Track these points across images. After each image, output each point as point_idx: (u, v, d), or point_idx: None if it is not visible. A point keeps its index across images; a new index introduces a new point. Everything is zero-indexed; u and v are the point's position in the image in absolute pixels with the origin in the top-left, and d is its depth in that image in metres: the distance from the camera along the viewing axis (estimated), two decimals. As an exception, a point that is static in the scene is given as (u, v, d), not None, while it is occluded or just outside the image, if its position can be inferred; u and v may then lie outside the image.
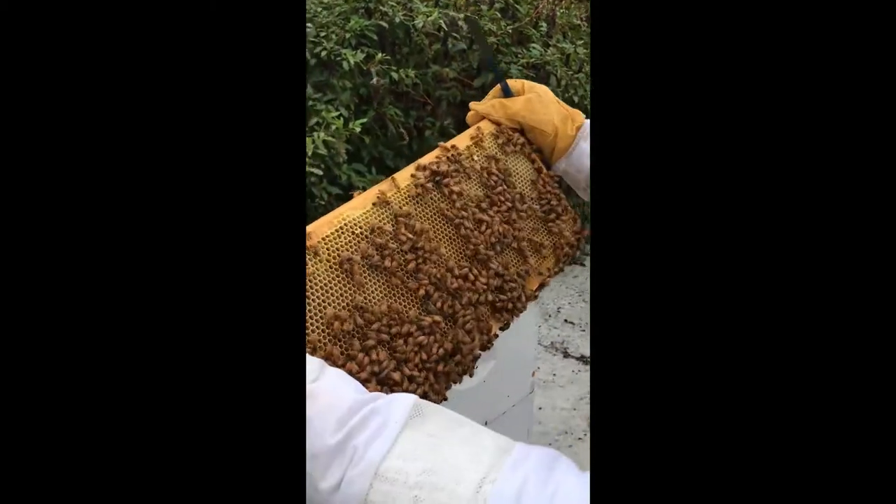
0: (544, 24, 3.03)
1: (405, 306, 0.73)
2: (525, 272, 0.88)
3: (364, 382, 0.65)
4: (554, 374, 2.40)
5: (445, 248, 0.79)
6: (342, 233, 0.71)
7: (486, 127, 0.97)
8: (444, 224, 0.81)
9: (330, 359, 0.66)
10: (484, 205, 0.86)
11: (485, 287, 0.81)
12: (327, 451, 0.54)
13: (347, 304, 0.69)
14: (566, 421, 2.22)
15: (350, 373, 0.65)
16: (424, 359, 0.70)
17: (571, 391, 2.33)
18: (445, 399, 0.76)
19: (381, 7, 2.77)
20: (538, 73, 2.86)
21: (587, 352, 2.47)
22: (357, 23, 2.75)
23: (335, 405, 0.56)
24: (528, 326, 1.38)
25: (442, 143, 0.89)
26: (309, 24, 2.78)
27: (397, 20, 2.75)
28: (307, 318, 0.65)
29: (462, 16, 2.86)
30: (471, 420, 0.61)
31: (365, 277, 0.71)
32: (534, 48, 2.87)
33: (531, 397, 1.49)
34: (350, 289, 0.69)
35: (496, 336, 0.85)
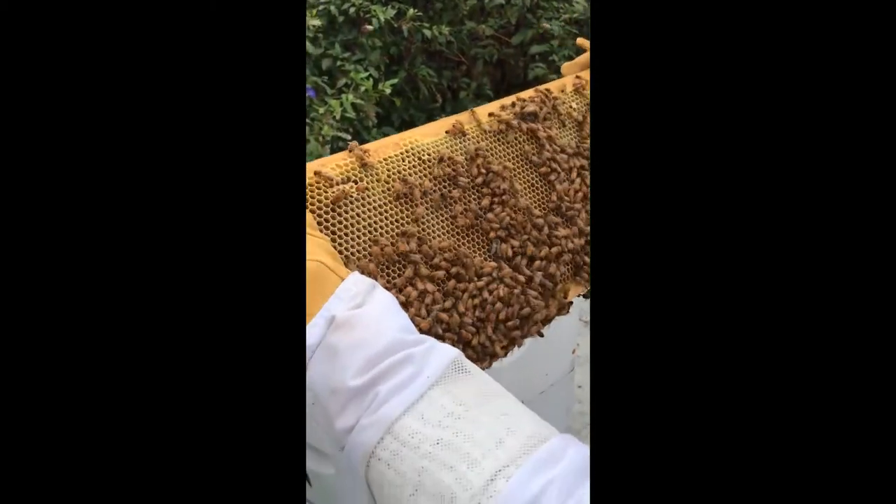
0: None
1: (470, 250, 0.65)
2: None
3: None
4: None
5: (525, 195, 0.70)
6: (407, 156, 0.63)
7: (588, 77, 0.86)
8: (526, 169, 0.72)
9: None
10: (577, 158, 0.76)
11: (568, 245, 0.70)
12: (347, 392, 0.49)
13: (400, 231, 0.62)
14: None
15: None
16: (484, 310, 0.63)
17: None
18: (498, 358, 0.68)
19: (413, -40, 2.68)
20: (581, 29, 2.73)
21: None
22: (388, -23, 2.65)
23: (369, 341, 0.51)
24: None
25: (537, 87, 0.78)
26: (337, -20, 2.69)
27: (430, -27, 2.65)
28: (348, 236, 0.59)
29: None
30: (513, 395, 0.54)
31: (426, 209, 0.63)
32: (577, 3, 2.74)
33: (571, 375, 1.47)
34: (406, 217, 0.62)
35: (571, 303, 0.74)
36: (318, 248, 0.55)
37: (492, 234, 0.66)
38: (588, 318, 2.60)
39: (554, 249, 0.69)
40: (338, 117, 2.37)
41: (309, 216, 0.59)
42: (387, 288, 0.59)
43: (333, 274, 0.54)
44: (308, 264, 0.53)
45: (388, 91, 2.56)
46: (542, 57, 2.76)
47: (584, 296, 0.74)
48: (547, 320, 0.70)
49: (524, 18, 2.81)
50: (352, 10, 2.59)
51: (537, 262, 0.68)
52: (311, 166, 0.57)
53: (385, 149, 0.63)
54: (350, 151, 0.60)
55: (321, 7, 2.58)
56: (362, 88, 2.49)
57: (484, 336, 0.63)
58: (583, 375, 2.13)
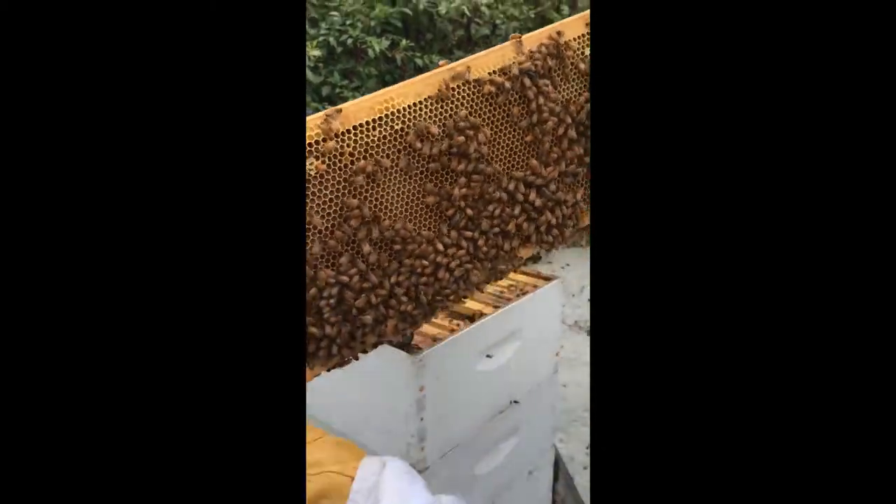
0: (566, 7, 3.02)
1: (434, 223, 0.61)
2: (581, 203, 0.70)
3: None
4: (578, 353, 2.38)
5: (501, 159, 0.63)
6: (379, 124, 0.56)
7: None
8: (509, 132, 0.63)
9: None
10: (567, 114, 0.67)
11: (533, 213, 0.65)
12: None
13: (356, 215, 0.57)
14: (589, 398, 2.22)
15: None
16: (417, 278, 0.60)
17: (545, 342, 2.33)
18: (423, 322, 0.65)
19: (405, -6, 2.76)
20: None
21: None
22: (382, 11, 2.74)
23: None
24: (553, 306, 1.36)
25: (551, 34, 0.67)
26: (335, 13, 2.77)
27: (421, 7, 2.75)
28: (312, 212, 0.55)
29: (486, 1, 2.83)
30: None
31: (388, 185, 0.57)
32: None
33: (556, 377, 1.48)
34: (368, 194, 0.57)
35: (520, 262, 0.69)
36: (320, 454, 0.52)
37: (450, 211, 0.60)
38: (571, 322, 2.68)
39: (520, 218, 0.64)
40: None
41: (311, 437, 0.55)
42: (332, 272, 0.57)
43: (342, 476, 0.51)
44: (316, 479, 0.51)
45: (383, 115, 2.71)
46: None
47: (533, 259, 0.74)
48: (485, 282, 0.66)
49: None
50: (349, 41, 2.68)
51: (488, 230, 0.63)
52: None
53: (360, 112, 0.56)
54: (326, 117, 0.54)
55: (321, 39, 2.67)
56: (359, 113, 2.58)
57: (413, 305, 0.61)
58: (567, 375, 2.21)
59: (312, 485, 0.50)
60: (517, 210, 0.64)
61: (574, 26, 0.69)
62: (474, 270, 0.63)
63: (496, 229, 0.63)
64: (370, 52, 2.65)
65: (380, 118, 0.56)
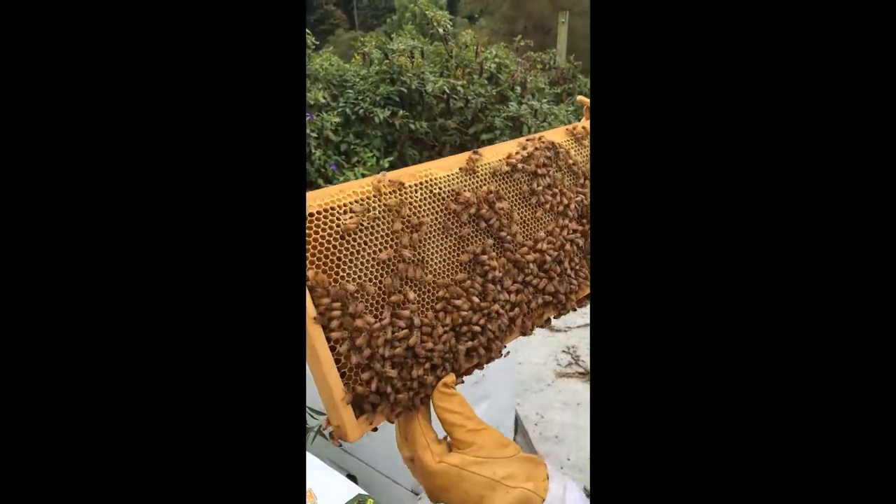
0: (519, 88, 3.03)
1: (467, 279, 0.51)
2: (581, 280, 0.61)
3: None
4: (527, 338, 2.39)
5: (519, 232, 0.56)
6: (420, 188, 0.50)
7: (588, 122, 0.70)
8: (522, 206, 0.57)
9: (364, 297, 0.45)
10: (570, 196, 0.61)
11: (542, 286, 0.56)
12: None
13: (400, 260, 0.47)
14: (538, 373, 2.25)
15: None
16: (449, 339, 0.49)
17: (542, 351, 2.35)
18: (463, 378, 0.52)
19: (401, 77, 2.78)
20: (514, 123, 2.86)
21: (551, 317, 2.43)
22: (384, 89, 2.77)
23: None
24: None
25: (536, 137, 0.62)
26: (350, 91, 2.78)
27: (413, 86, 2.77)
28: (356, 261, 0.45)
29: (460, 83, 2.89)
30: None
31: (428, 241, 0.49)
32: (511, 105, 2.88)
33: (516, 357, 1.49)
34: (408, 247, 0.48)
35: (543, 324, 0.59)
36: (515, 468, 0.42)
37: (484, 268, 0.51)
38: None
39: (531, 292, 0.55)
40: None
41: (510, 452, 0.44)
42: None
43: (535, 495, 0.42)
44: (513, 492, 0.41)
45: (386, 165, 2.66)
46: (489, 142, 2.88)
47: (546, 322, 0.58)
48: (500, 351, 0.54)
49: (477, 116, 2.93)
50: (360, 111, 2.70)
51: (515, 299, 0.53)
52: (331, 190, 0.45)
53: (403, 177, 0.49)
54: (375, 178, 0.48)
55: (339, 109, 2.69)
56: (368, 164, 2.58)
57: (442, 361, 0.48)
58: (521, 356, 2.21)
59: (509, 497, 0.41)
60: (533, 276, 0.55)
61: (558, 134, 0.65)
62: (507, 324, 0.53)
63: (523, 288, 0.54)
64: (376, 118, 2.67)
65: (420, 183, 0.50)
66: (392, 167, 2.72)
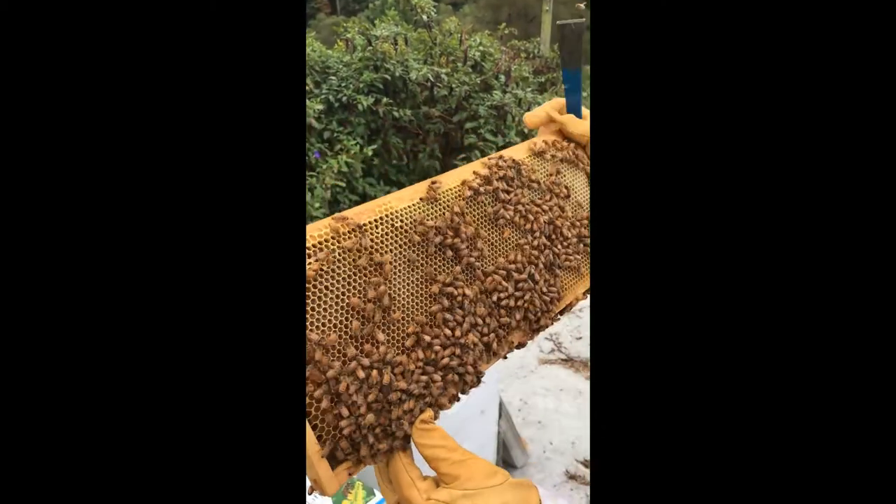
0: (503, 77, 3.02)
1: (437, 309, 0.50)
2: (559, 289, 0.60)
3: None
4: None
5: (488, 255, 0.54)
6: (381, 223, 0.48)
7: (547, 137, 0.68)
8: (488, 227, 0.56)
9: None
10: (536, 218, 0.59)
11: (518, 298, 0.55)
12: None
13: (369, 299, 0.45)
14: (522, 360, 2.26)
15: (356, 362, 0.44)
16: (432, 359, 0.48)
17: None
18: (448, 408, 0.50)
19: (385, 65, 2.76)
20: (498, 111, 2.87)
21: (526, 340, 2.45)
22: (368, 76, 2.75)
23: None
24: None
25: (497, 156, 0.60)
26: (333, 77, 2.76)
27: (397, 74, 2.75)
28: (319, 308, 0.43)
29: (444, 70, 2.87)
30: None
31: (395, 275, 0.48)
32: (496, 94, 2.88)
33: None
34: (373, 287, 0.46)
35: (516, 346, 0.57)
36: (507, 497, 0.41)
37: (457, 300, 0.50)
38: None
39: (504, 314, 0.53)
40: (336, 171, 2.46)
41: (497, 481, 0.42)
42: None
43: None
44: None
45: (369, 153, 2.64)
46: (473, 130, 2.87)
47: (521, 345, 0.56)
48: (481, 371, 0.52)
49: (461, 104, 2.91)
50: (344, 98, 2.68)
51: (483, 327, 0.51)
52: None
53: (362, 215, 0.48)
54: (333, 219, 0.46)
55: (322, 97, 2.66)
56: (352, 151, 2.56)
57: (430, 391, 0.47)
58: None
59: None
60: (508, 297, 0.54)
61: (519, 151, 0.63)
62: (483, 350, 0.52)
63: (496, 317, 0.53)
64: (359, 106, 2.65)
65: (380, 218, 0.48)
66: (376, 155, 2.71)
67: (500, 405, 1.68)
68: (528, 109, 2.88)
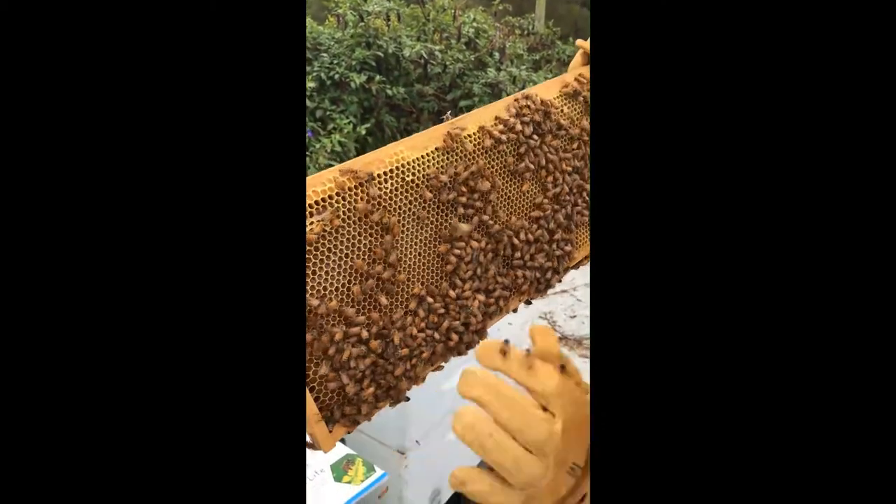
0: (497, 54, 2.99)
1: (440, 273, 0.47)
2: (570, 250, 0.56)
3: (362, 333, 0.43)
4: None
5: (503, 211, 0.50)
6: (391, 177, 0.44)
7: (584, 71, 0.59)
8: (506, 180, 0.51)
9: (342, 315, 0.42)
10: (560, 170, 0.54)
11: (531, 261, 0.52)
12: None
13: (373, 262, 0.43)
14: (516, 338, 2.24)
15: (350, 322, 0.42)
16: (431, 327, 0.46)
17: (519, 317, 2.34)
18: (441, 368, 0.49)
19: (377, 41, 2.73)
20: (493, 89, 2.85)
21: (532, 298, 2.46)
22: (360, 53, 2.71)
23: None
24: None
25: (526, 97, 0.53)
26: (325, 54, 2.72)
27: (390, 51, 2.71)
28: (321, 272, 0.41)
29: (438, 48, 2.85)
30: None
31: (403, 233, 0.44)
32: (490, 71, 2.86)
33: (495, 325, 1.52)
34: (380, 249, 0.43)
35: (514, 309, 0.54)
36: None
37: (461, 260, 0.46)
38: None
39: (517, 274, 0.50)
40: (329, 150, 2.45)
41: None
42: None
43: None
44: None
45: (363, 132, 2.63)
46: (468, 108, 2.87)
47: (527, 302, 0.53)
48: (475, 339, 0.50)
49: (455, 82, 2.89)
50: (336, 76, 2.64)
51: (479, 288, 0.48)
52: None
53: (371, 165, 0.44)
54: (340, 172, 0.42)
55: (314, 74, 2.62)
56: (345, 130, 2.54)
57: (428, 352, 0.46)
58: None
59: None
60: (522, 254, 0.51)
61: (550, 88, 0.57)
62: (493, 306, 0.49)
63: (505, 276, 0.50)
64: (352, 84, 2.62)
65: (391, 171, 0.44)
66: (369, 134, 2.69)
67: (496, 382, 1.70)
68: (523, 87, 2.87)
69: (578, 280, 2.37)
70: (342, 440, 1.27)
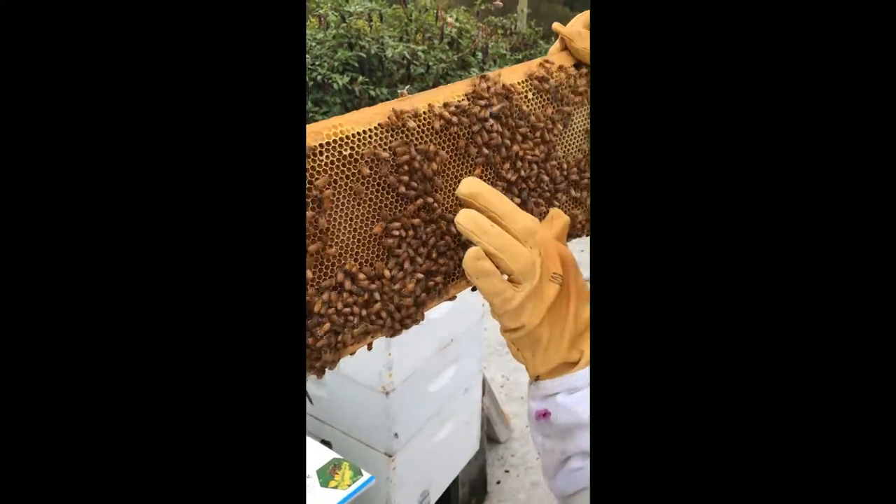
0: (480, 54, 3.00)
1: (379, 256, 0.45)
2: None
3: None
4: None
5: (448, 191, 0.48)
6: (326, 149, 0.42)
7: (560, 59, 0.56)
8: (458, 164, 0.48)
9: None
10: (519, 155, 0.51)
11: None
12: None
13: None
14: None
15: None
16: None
17: None
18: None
19: (360, 42, 2.71)
20: (477, 90, 2.85)
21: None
22: (342, 54, 2.69)
23: None
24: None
25: (490, 79, 0.50)
26: (307, 56, 2.69)
27: (373, 52, 2.70)
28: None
29: (421, 48, 2.84)
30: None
31: (338, 207, 0.43)
32: (473, 71, 2.86)
33: (482, 321, 1.51)
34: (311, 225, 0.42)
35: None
36: None
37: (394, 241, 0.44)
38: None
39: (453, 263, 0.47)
40: None
41: None
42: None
43: None
44: None
45: (346, 134, 2.66)
46: None
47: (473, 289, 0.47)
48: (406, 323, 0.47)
49: (438, 83, 2.89)
50: (318, 77, 2.62)
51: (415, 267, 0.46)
52: None
53: (309, 137, 0.42)
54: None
55: (296, 75, 2.59)
56: (328, 132, 2.53)
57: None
58: (487, 320, 2.26)
59: None
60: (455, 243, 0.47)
61: (515, 73, 0.53)
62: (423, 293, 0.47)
63: (447, 259, 0.47)
64: (335, 85, 2.60)
65: (327, 143, 0.42)
66: (353, 136, 2.66)
67: (484, 382, 1.71)
68: (506, 87, 2.87)
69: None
70: (328, 444, 1.26)
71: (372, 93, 2.67)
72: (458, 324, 1.48)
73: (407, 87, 2.57)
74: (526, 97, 0.53)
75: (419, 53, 2.79)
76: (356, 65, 2.68)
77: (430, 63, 2.81)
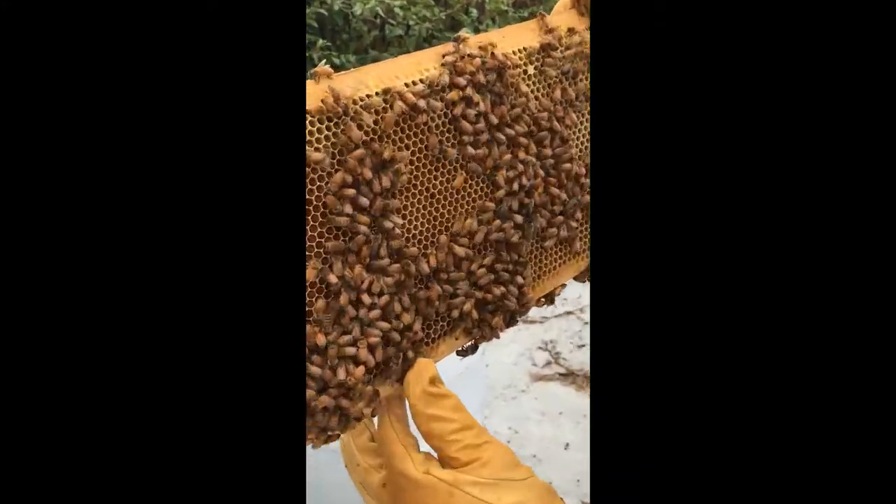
0: (475, 11, 2.83)
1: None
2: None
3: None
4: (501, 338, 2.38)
5: (417, 220, 0.45)
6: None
7: (566, 21, 0.49)
8: (430, 171, 0.43)
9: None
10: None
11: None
12: None
13: None
14: (510, 376, 2.14)
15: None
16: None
17: (513, 349, 2.20)
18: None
19: (319, -5, 2.61)
20: (469, 56, 2.75)
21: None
22: (297, 11, 2.54)
23: None
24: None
25: (468, 39, 0.45)
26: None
27: (336, 7, 2.49)
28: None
29: (398, 3, 2.71)
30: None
31: None
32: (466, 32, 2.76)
33: (483, 358, 1.41)
34: None
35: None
36: (526, 495, 0.41)
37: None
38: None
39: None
40: None
41: (521, 475, 0.43)
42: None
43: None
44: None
45: (303, 114, 2.54)
46: None
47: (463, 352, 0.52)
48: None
49: (421, 47, 2.81)
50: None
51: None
52: None
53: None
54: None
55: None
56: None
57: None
58: (489, 356, 2.17)
59: None
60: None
61: (514, 37, 0.47)
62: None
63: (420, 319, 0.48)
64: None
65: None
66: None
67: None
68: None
69: (586, 299, 2.23)
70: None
71: (336, 61, 2.50)
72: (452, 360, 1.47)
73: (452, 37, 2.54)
74: (525, 73, 0.47)
75: (396, 10, 2.62)
76: (315, 25, 2.50)
77: (411, 22, 2.65)
